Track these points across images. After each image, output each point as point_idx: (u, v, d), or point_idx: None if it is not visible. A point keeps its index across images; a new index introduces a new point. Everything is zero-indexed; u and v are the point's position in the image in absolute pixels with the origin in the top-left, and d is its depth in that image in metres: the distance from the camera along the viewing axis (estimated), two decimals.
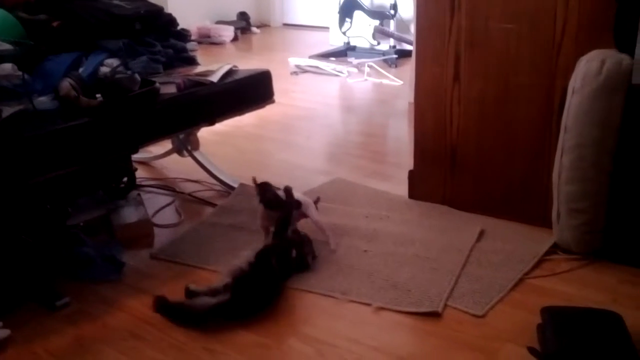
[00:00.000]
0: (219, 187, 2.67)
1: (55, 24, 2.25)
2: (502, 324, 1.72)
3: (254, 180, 2.07)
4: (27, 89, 1.92)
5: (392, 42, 5.14)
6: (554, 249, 2.05)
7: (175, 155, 2.83)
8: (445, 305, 1.79)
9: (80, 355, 1.65)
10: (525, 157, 2.19)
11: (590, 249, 2.00)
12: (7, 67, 1.98)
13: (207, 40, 5.96)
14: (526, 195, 2.22)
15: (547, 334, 1.57)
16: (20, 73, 1.96)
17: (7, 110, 1.81)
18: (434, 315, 1.75)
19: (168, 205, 2.55)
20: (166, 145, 2.83)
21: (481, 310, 1.76)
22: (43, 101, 1.94)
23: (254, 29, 6.67)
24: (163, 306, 1.77)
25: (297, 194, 2.12)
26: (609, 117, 1.87)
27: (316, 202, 2.24)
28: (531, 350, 1.55)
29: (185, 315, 1.76)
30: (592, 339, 1.54)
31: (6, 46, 2.04)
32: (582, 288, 1.87)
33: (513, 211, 2.25)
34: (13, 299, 1.83)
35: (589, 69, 1.87)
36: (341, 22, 5.26)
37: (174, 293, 1.88)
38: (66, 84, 1.92)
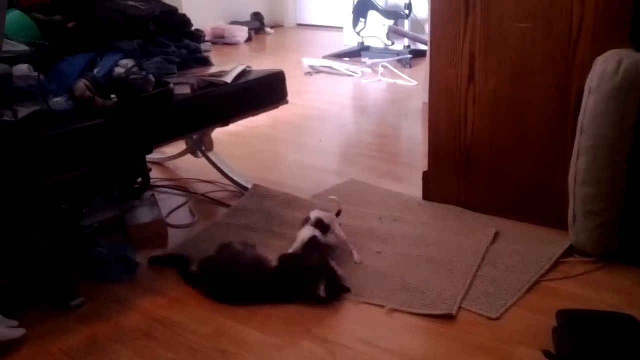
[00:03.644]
0: (232, 188, 2.67)
1: (70, 25, 2.26)
2: (516, 326, 1.70)
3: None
4: (43, 90, 1.94)
5: (406, 42, 5.13)
6: (570, 251, 2.03)
7: (189, 156, 2.84)
8: (460, 308, 1.78)
9: (94, 354, 1.66)
10: (541, 158, 2.17)
11: (607, 252, 1.98)
12: (23, 68, 2.00)
13: (221, 40, 5.98)
14: (541, 197, 2.20)
15: (562, 337, 1.56)
16: (35, 74, 1.98)
17: (23, 111, 1.83)
18: (448, 317, 1.74)
19: (182, 205, 2.55)
20: (180, 146, 2.83)
21: (496, 312, 1.75)
22: (58, 102, 1.95)
23: (268, 30, 6.68)
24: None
25: (319, 214, 2.07)
26: (625, 117, 1.85)
27: (337, 214, 2.19)
28: (546, 353, 1.54)
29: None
30: (608, 343, 1.53)
31: (22, 47, 2.06)
32: (597, 291, 1.84)
33: (528, 213, 2.23)
34: (27, 298, 1.84)
35: (605, 69, 1.85)
36: (355, 23, 5.25)
37: (187, 293, 1.89)
38: (81, 84, 1.93)
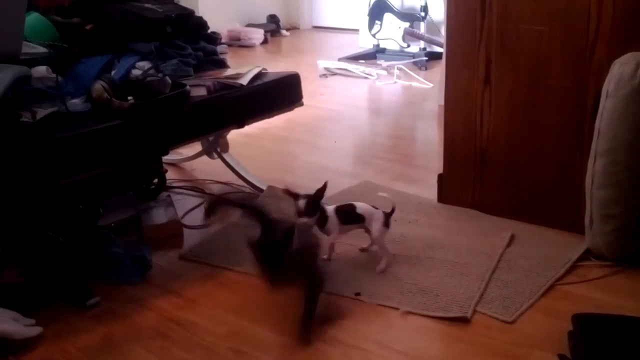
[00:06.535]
0: (247, 189, 2.68)
1: (88, 27, 2.28)
2: (531, 330, 1.69)
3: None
4: (60, 91, 1.95)
5: (422, 44, 5.11)
6: (586, 254, 2.02)
7: (204, 157, 2.85)
8: (474, 311, 1.77)
9: (110, 353, 1.67)
10: (557, 161, 2.16)
11: (623, 255, 1.96)
12: (42, 69, 2.02)
13: (237, 42, 6.00)
14: (557, 200, 2.19)
15: (578, 342, 1.54)
16: (53, 75, 1.99)
17: (41, 112, 1.85)
18: (462, 320, 1.73)
19: (197, 206, 2.56)
20: (196, 147, 2.85)
21: (510, 316, 1.74)
22: (75, 103, 1.97)
23: (284, 32, 6.69)
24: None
25: (363, 205, 2.00)
26: None
27: (391, 213, 2.04)
28: (562, 357, 1.53)
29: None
30: (624, 347, 1.51)
31: (40, 49, 2.08)
32: (614, 295, 1.83)
33: (543, 216, 2.22)
34: (44, 297, 1.86)
35: (623, 72, 1.83)
36: (371, 25, 5.25)
37: (202, 294, 1.90)
38: (98, 86, 1.95)
